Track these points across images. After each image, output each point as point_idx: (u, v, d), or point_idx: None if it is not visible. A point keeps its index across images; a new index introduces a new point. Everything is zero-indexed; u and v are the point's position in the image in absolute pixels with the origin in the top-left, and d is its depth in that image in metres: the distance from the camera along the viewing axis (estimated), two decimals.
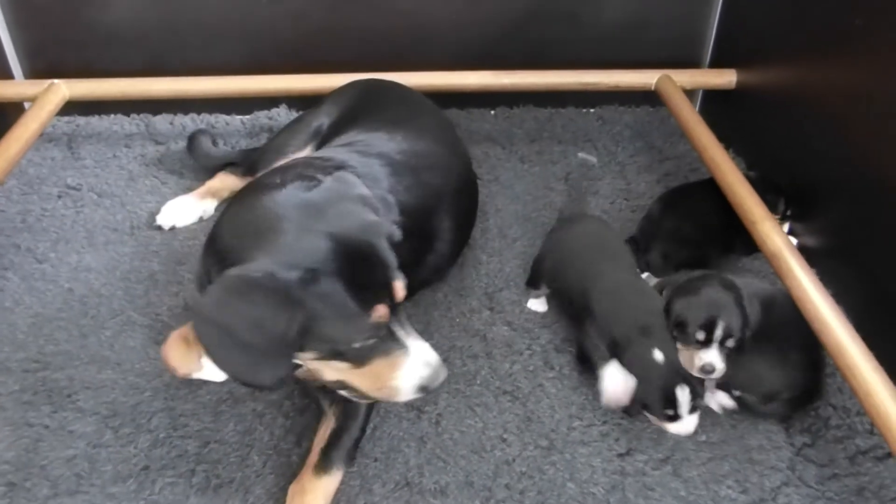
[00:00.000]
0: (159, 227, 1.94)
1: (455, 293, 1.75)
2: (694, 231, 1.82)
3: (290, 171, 1.40)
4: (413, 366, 1.24)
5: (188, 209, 1.97)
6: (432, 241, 1.66)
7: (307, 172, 1.37)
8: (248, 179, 1.92)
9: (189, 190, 2.04)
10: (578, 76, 2.22)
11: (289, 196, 1.27)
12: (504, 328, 1.67)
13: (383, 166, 1.55)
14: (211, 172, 2.05)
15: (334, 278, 1.16)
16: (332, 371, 1.27)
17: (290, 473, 1.36)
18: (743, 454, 1.44)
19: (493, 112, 2.45)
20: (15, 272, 1.81)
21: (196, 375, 1.50)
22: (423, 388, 1.25)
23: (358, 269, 1.19)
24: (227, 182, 2.00)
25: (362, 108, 1.84)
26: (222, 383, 1.52)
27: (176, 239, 1.92)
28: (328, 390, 1.37)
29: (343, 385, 1.29)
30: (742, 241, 1.81)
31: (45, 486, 1.36)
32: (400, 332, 1.24)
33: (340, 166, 1.46)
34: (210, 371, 1.51)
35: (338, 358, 1.22)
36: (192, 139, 2.15)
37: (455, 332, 1.66)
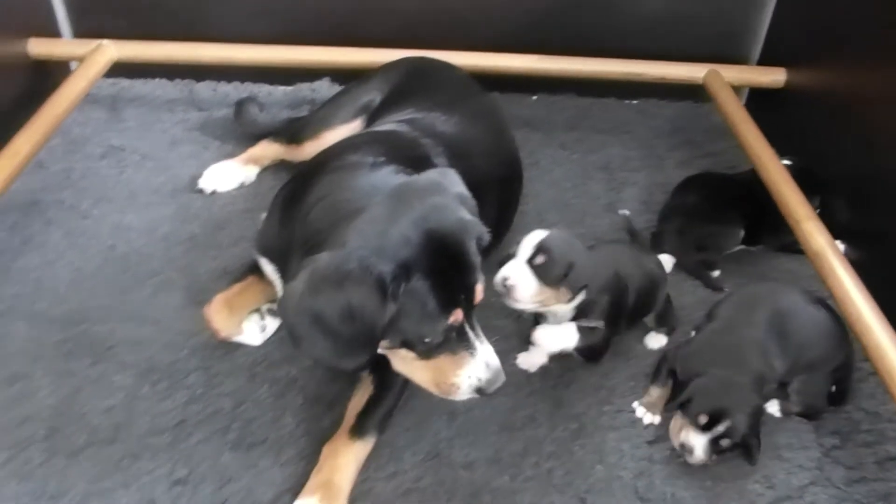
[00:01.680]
0: (200, 191, 1.96)
1: (493, 274, 1.75)
2: (712, 211, 1.84)
3: (376, 147, 1.41)
4: (476, 367, 1.26)
5: (230, 175, 1.99)
6: None
7: (398, 152, 1.37)
8: (292, 148, 1.95)
9: (230, 156, 2.06)
10: (624, 66, 2.22)
11: (385, 180, 1.30)
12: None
13: (437, 146, 1.55)
14: (254, 140, 2.07)
15: (424, 276, 1.18)
16: (397, 359, 1.30)
17: (322, 437, 1.38)
18: (772, 451, 1.44)
19: (533, 98, 2.44)
20: (58, 227, 1.85)
21: (236, 339, 1.53)
22: (480, 391, 1.27)
23: (446, 268, 1.21)
24: (269, 150, 2.02)
25: (416, 87, 1.84)
26: (258, 347, 1.55)
27: (216, 203, 1.94)
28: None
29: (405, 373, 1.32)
30: (771, 235, 1.81)
31: (84, 434, 1.40)
32: (470, 333, 1.26)
33: (425, 153, 1.49)
34: (248, 335, 1.54)
35: (406, 347, 1.25)
36: (240, 105, 2.17)
37: (490, 311, 1.65)
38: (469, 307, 1.25)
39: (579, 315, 1.48)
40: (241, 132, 2.15)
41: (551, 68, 2.24)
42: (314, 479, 1.30)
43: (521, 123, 2.32)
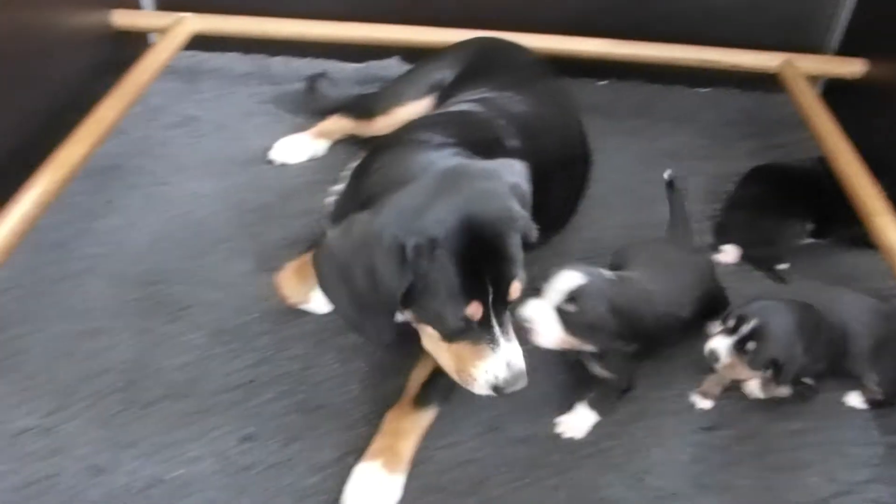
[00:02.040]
0: (271, 163, 2.02)
1: (555, 254, 1.77)
2: (777, 204, 1.81)
3: (450, 128, 1.43)
4: (495, 363, 1.23)
5: (300, 147, 2.04)
6: (545, 209, 1.68)
7: (470, 135, 1.39)
8: (363, 123, 1.99)
9: (301, 130, 2.10)
10: (698, 52, 2.19)
11: (441, 159, 1.31)
12: None
13: (510, 126, 1.57)
14: (324, 114, 2.11)
15: (449, 256, 1.18)
16: (425, 336, 1.32)
17: (386, 404, 1.41)
18: (833, 446, 1.43)
19: (601, 83, 2.43)
20: (138, 191, 1.92)
21: (303, 306, 1.58)
22: (497, 389, 1.24)
23: (477, 256, 1.20)
24: (340, 125, 2.06)
25: (489, 67, 1.86)
26: (324, 315, 1.59)
27: (287, 175, 2.00)
28: None
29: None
30: (842, 228, 1.78)
31: (159, 387, 1.46)
32: (496, 328, 1.23)
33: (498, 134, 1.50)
34: (316, 304, 1.59)
35: (430, 325, 1.26)
36: (312, 80, 2.21)
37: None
38: (501, 301, 1.23)
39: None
40: (312, 107, 2.20)
41: (622, 53, 2.22)
42: (377, 444, 1.34)
43: (588, 108, 2.29)
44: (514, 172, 1.34)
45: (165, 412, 1.42)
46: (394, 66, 2.39)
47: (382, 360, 1.52)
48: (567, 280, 1.30)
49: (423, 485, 1.34)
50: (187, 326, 1.57)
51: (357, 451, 1.36)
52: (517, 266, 1.24)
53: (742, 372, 1.40)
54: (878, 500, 1.35)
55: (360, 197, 1.36)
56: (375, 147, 1.53)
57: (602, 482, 1.33)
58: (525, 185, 1.34)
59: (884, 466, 1.40)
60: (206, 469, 1.34)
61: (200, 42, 2.36)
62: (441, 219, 1.19)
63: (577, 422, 1.41)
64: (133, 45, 2.30)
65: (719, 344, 1.38)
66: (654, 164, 2.09)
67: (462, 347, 1.25)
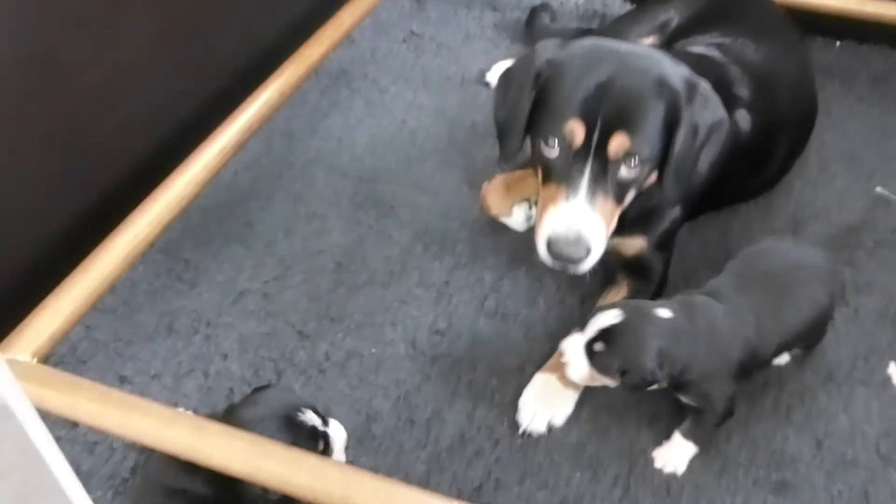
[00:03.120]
0: (487, 84, 2.08)
1: (760, 210, 1.72)
2: None
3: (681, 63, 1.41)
4: (557, 216, 1.23)
5: None
6: (765, 162, 1.64)
7: (701, 73, 1.37)
8: None
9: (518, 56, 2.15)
10: None
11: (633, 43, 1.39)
12: None
13: (744, 75, 1.53)
14: None
15: (572, 79, 1.24)
16: (533, 172, 1.39)
17: (570, 323, 1.46)
18: None
19: (838, 44, 2.27)
20: (360, 97, 2.06)
21: (503, 219, 1.65)
22: (551, 248, 1.23)
23: (601, 93, 1.22)
24: None
25: (723, 11, 1.80)
26: (521, 233, 1.66)
27: None
28: (626, 264, 1.45)
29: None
30: None
31: (365, 274, 1.60)
32: (585, 178, 1.22)
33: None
34: (515, 220, 1.65)
35: (538, 158, 1.30)
36: (534, 11, 2.24)
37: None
38: (602, 154, 1.22)
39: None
40: (531, 36, 2.23)
41: (867, 12, 2.06)
42: (556, 360, 1.40)
43: (820, 70, 2.15)
44: (707, 95, 1.30)
45: (368, 296, 1.56)
46: (616, 4, 2.36)
47: (573, 283, 1.56)
48: (603, 318, 1.22)
49: (596, 406, 1.38)
50: (393, 224, 1.70)
51: (535, 364, 1.43)
52: (636, 126, 1.22)
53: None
54: None
55: None
56: None
57: (779, 436, 1.32)
58: (709, 91, 1.30)
59: None
60: (398, 352, 1.47)
61: None
62: (579, 54, 1.26)
63: (675, 453, 1.30)
64: None
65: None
66: (887, 135, 1.96)
67: (549, 189, 1.27)
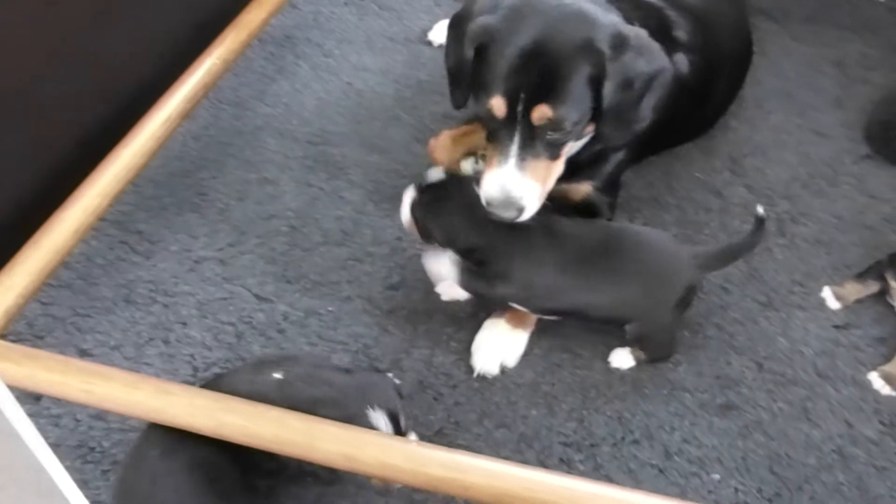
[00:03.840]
0: (429, 43, 2.10)
1: (700, 150, 1.77)
2: None
3: (619, 5, 1.41)
4: (491, 180, 1.28)
5: None
6: (704, 102, 1.68)
7: (639, 18, 1.40)
8: None
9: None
10: None
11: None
12: (742, 189, 1.69)
13: (681, 18, 1.57)
14: None
15: (500, 48, 1.24)
16: (480, 126, 1.44)
17: None
18: None
19: None
20: (305, 61, 2.06)
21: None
22: (489, 207, 1.28)
23: (526, 63, 1.22)
24: None
25: None
26: None
27: (443, 54, 2.06)
28: (575, 208, 1.51)
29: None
30: None
31: (318, 235, 1.62)
32: (514, 145, 1.26)
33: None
34: (465, 171, 1.68)
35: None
36: None
37: (692, 185, 1.70)
38: (528, 121, 1.24)
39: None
40: None
41: None
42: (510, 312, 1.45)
43: (755, 10, 2.22)
44: (639, 37, 1.31)
45: (323, 256, 1.59)
46: None
47: None
48: (434, 174, 1.37)
49: (548, 346, 1.44)
50: (344, 184, 1.72)
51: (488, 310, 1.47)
52: (557, 96, 1.23)
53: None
54: None
55: None
56: None
57: (723, 360, 1.38)
58: (649, 48, 1.31)
59: None
60: (355, 308, 1.50)
61: None
62: (509, 16, 1.26)
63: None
64: None
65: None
66: (818, 71, 2.02)
67: (490, 149, 1.31)
